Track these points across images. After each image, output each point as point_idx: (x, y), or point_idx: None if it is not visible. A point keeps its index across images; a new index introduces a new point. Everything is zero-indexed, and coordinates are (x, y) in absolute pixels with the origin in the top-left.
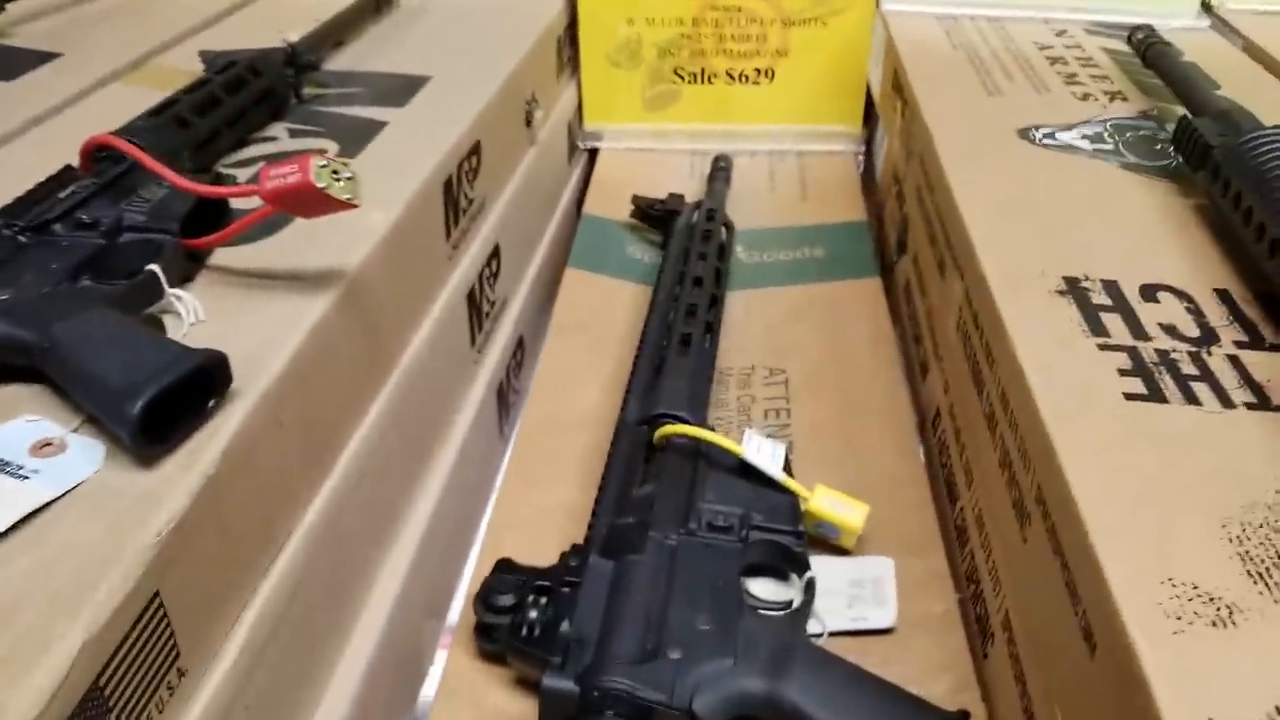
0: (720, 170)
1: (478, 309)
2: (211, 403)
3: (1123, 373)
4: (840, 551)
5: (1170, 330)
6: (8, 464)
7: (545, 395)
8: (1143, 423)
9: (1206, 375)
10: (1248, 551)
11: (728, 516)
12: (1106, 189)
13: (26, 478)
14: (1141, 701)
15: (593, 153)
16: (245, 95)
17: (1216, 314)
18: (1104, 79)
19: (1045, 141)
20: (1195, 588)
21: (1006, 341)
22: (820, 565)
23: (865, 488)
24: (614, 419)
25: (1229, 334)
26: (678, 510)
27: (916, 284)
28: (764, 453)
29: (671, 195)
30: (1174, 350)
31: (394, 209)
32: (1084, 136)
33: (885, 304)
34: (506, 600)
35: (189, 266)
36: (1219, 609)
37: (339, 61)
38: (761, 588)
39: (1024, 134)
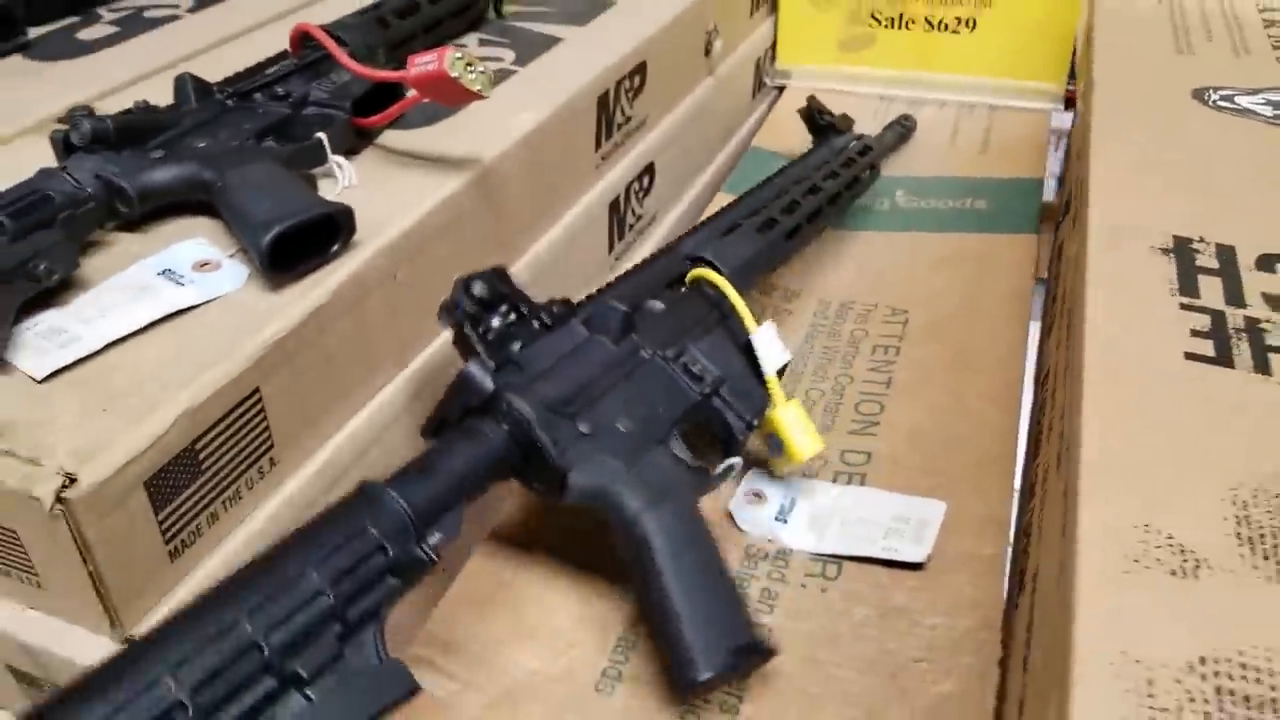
0: (899, 125)
1: (620, 219)
2: (335, 247)
3: (1196, 334)
4: (766, 470)
5: (1273, 300)
6: (173, 272)
7: None
8: (1194, 384)
9: None
10: (1248, 516)
11: (705, 370)
12: (1266, 156)
13: (183, 285)
14: (1065, 632)
15: (781, 91)
16: (445, 5)
17: None
18: None
19: (1219, 103)
20: (1170, 537)
21: (1084, 292)
22: (870, 496)
23: (953, 433)
24: None
25: None
26: (669, 336)
27: (1067, 243)
28: (769, 348)
29: (844, 115)
30: (1267, 320)
31: (541, 112)
32: (1269, 103)
33: (1033, 262)
34: (482, 293)
35: (357, 141)
36: (1185, 560)
37: None
38: (684, 446)
39: (1198, 94)
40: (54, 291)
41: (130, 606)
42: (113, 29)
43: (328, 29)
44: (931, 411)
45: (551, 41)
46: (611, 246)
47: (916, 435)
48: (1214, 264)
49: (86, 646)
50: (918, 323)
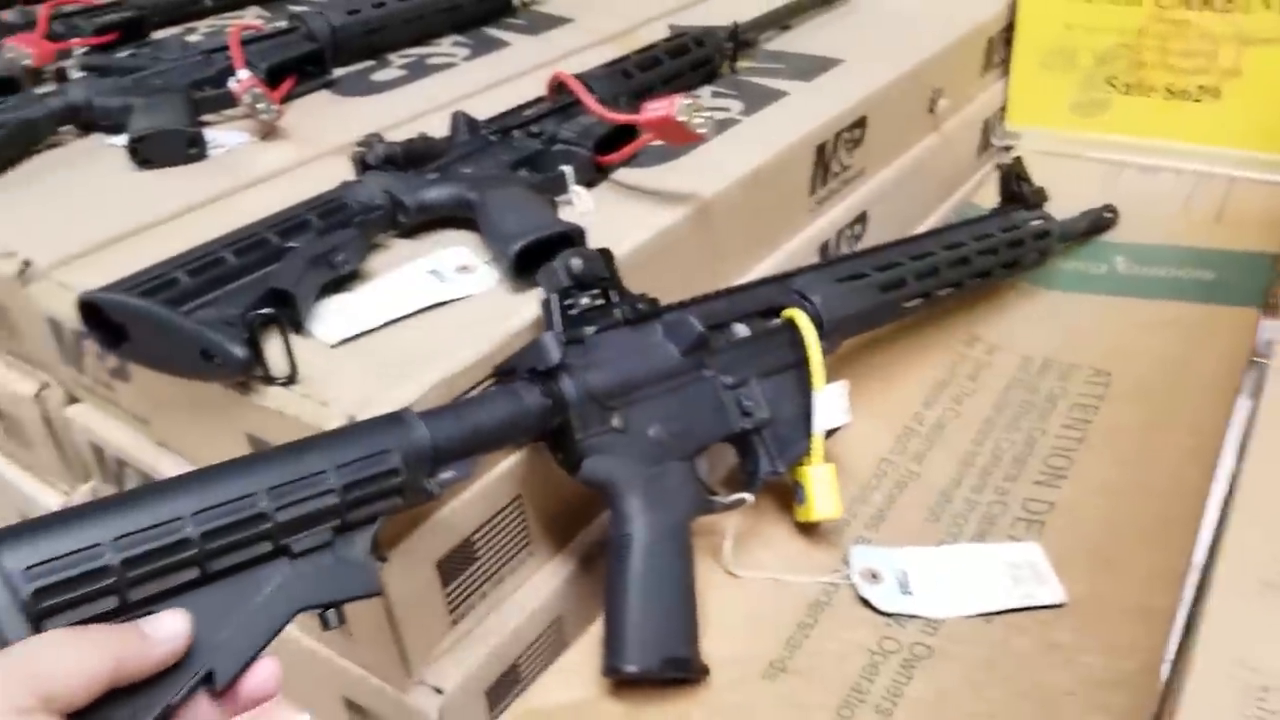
0: (1097, 215)
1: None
2: None
3: None
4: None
5: None
6: (438, 273)
7: None
8: None
9: None
10: None
11: (757, 409)
12: None
13: (445, 283)
14: (1188, 641)
15: (1008, 150)
16: (684, 60)
17: None
18: None
19: None
20: None
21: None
22: (967, 552)
23: (1142, 489)
24: None
25: None
26: (737, 364)
27: None
28: (830, 407)
29: (1040, 190)
30: None
31: (759, 157)
32: None
33: (1252, 335)
34: (580, 270)
35: (596, 175)
36: None
37: (779, 42)
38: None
39: None
40: (346, 279)
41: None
42: (401, 72)
43: (579, 78)
44: (1122, 468)
45: (778, 95)
46: None
47: (1104, 489)
48: None
49: None
50: (1121, 385)
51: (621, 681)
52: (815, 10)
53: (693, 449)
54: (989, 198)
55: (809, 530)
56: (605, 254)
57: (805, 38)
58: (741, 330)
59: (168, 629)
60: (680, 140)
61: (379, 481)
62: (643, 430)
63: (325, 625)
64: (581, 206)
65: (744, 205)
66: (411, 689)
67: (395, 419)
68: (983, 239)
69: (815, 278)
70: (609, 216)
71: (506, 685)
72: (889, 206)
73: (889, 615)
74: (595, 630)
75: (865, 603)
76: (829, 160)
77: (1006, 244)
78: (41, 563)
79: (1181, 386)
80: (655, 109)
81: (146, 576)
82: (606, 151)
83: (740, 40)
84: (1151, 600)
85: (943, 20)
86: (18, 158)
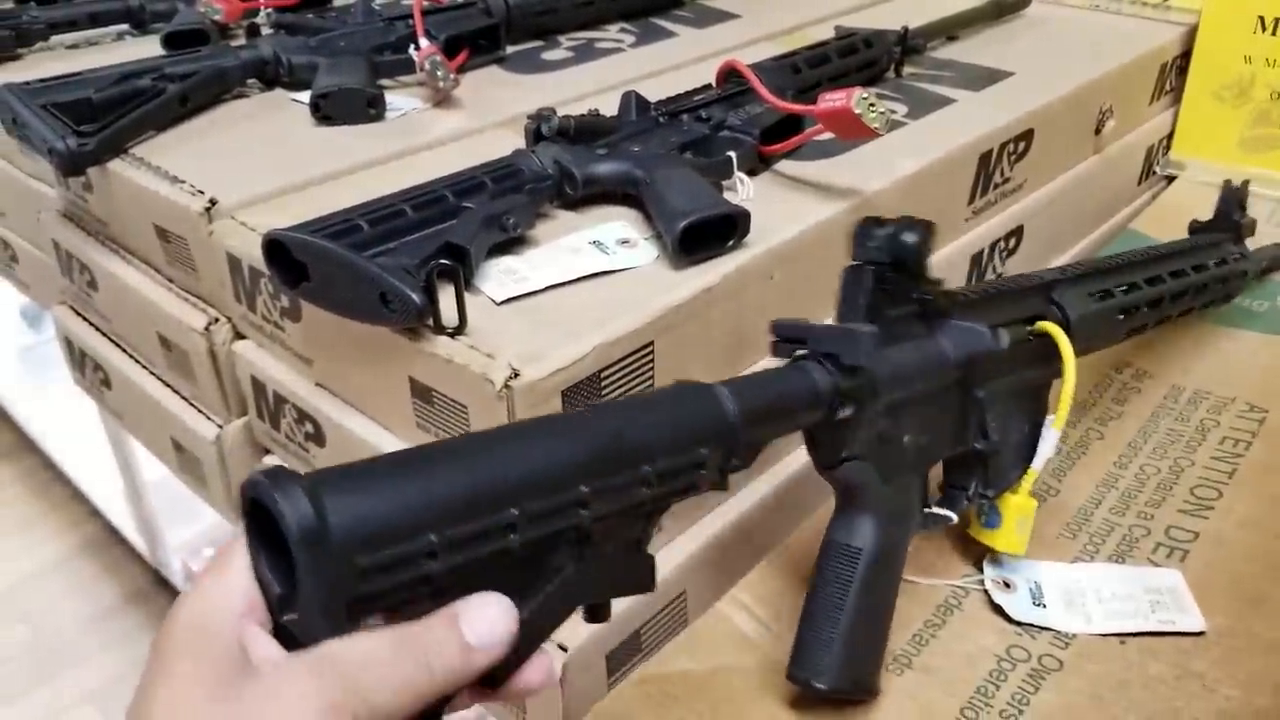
0: None
1: (980, 273)
2: (730, 243)
3: None
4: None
5: None
6: (601, 244)
7: None
8: None
9: None
10: None
11: (991, 433)
12: None
13: (607, 255)
14: None
15: (1170, 180)
16: (852, 60)
17: None
18: None
19: None
20: None
21: None
22: (1109, 571)
23: None
24: None
25: None
26: (993, 384)
27: None
28: (1049, 442)
29: (1253, 221)
30: None
31: (922, 160)
32: None
33: None
34: (911, 242)
35: (759, 164)
36: None
37: (947, 51)
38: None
39: None
40: (515, 242)
41: None
42: (569, 54)
43: (750, 66)
44: (1273, 505)
45: (945, 101)
46: None
47: (1252, 524)
48: None
49: None
50: (1276, 422)
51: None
52: (986, 23)
53: (930, 463)
54: (1152, 226)
55: (944, 533)
56: (929, 227)
57: (974, 49)
58: (1004, 340)
59: (490, 634)
60: (852, 135)
61: (687, 476)
62: (900, 437)
63: (594, 618)
64: (744, 193)
65: (903, 207)
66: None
67: (705, 393)
68: (1200, 270)
69: (1073, 289)
70: (770, 205)
71: (628, 652)
72: (1045, 224)
73: (1020, 625)
74: (721, 608)
75: (997, 610)
76: (992, 170)
77: (1215, 279)
78: (374, 535)
79: None
80: (832, 100)
81: (467, 563)
82: (770, 142)
83: (909, 45)
84: None
85: (1119, 41)
86: (207, 104)
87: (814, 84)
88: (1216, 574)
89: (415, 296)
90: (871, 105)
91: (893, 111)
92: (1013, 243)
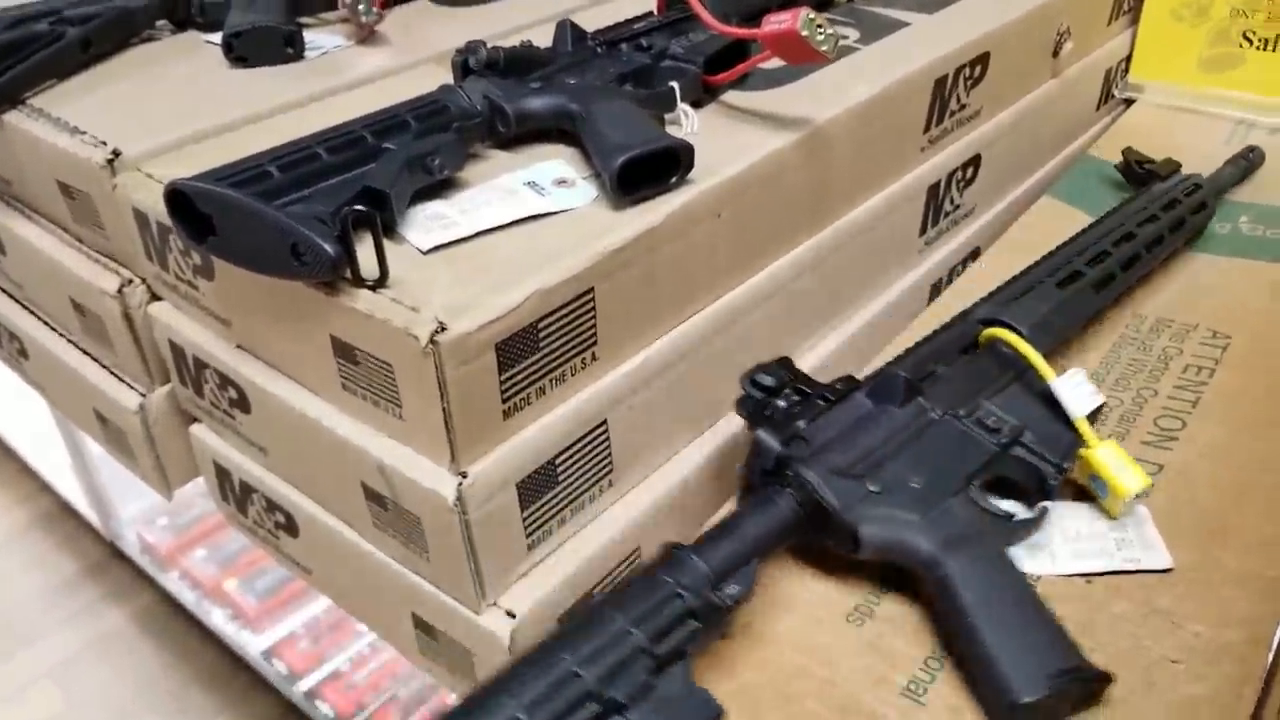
0: (1241, 160)
1: (937, 205)
2: (673, 179)
3: None
4: (1103, 512)
5: None
6: (536, 184)
7: (959, 295)
8: None
9: None
10: None
11: (1001, 422)
12: None
13: (543, 196)
14: None
15: (1129, 103)
16: None
17: None
18: None
19: None
20: None
21: None
22: (1075, 510)
23: (1257, 456)
24: None
25: None
26: (960, 395)
27: None
28: (1075, 391)
29: (1166, 160)
30: None
31: (875, 86)
32: None
33: None
34: (767, 382)
35: (704, 95)
36: None
37: None
38: (1002, 500)
39: None
40: (442, 185)
41: (468, 450)
42: None
43: None
44: (1237, 433)
45: (898, 25)
46: (924, 230)
47: (1216, 453)
48: None
49: (429, 475)
50: (1240, 348)
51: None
52: None
53: (960, 484)
54: (1111, 151)
55: None
56: (785, 361)
57: None
58: (946, 370)
59: None
60: (800, 59)
61: (669, 608)
62: (904, 484)
63: None
64: (689, 126)
65: (856, 136)
66: (485, 610)
67: (667, 556)
68: (1138, 214)
69: (994, 303)
70: (716, 138)
71: None
72: (1003, 152)
73: None
74: None
75: None
76: (948, 96)
77: (1163, 207)
78: None
79: None
80: (777, 21)
81: None
82: (716, 71)
83: None
84: (1264, 569)
85: None
86: (112, 50)
87: (762, 8)
88: (1182, 507)
89: (328, 247)
90: (819, 27)
91: (843, 36)
92: (970, 173)
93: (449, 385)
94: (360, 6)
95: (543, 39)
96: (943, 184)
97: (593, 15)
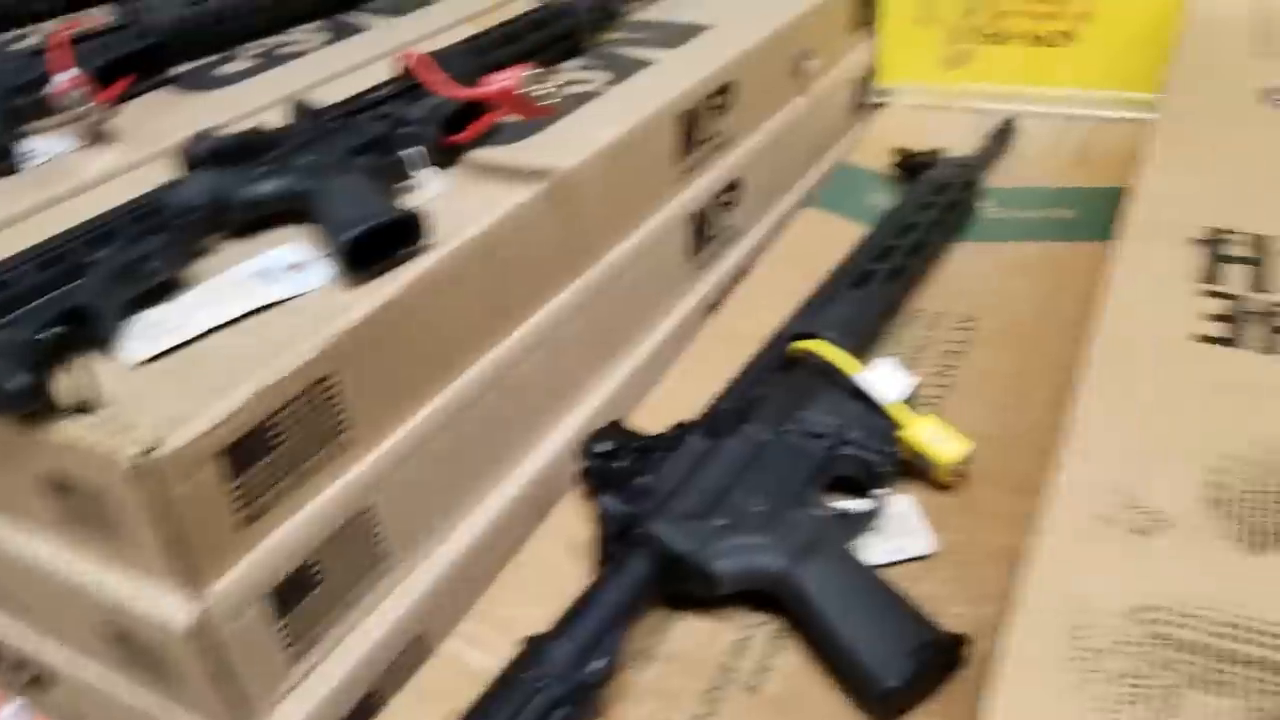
0: (999, 133)
1: (701, 230)
2: (405, 250)
3: (1211, 317)
4: (937, 485)
5: None
6: (268, 272)
7: (735, 311)
8: (1196, 363)
9: None
10: (1223, 482)
11: (826, 426)
12: None
13: (275, 283)
14: (1021, 578)
15: (878, 107)
16: (545, 34)
17: None
18: None
19: None
20: (1141, 499)
21: (1110, 279)
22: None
23: (1011, 434)
24: None
25: None
26: (781, 412)
27: None
28: (883, 381)
29: (931, 149)
30: None
31: (620, 128)
32: None
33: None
34: (603, 448)
35: (447, 156)
36: (1153, 520)
37: (651, 12)
38: (840, 498)
39: (1265, 95)
40: (164, 288)
41: (205, 569)
42: (251, 64)
43: (431, 56)
44: (990, 412)
45: (643, 64)
46: (692, 255)
47: (972, 435)
48: (1246, 253)
49: (164, 604)
50: (987, 329)
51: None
52: None
53: (799, 495)
54: (867, 157)
55: None
56: (615, 424)
57: (675, 6)
58: (765, 391)
59: None
60: (530, 114)
61: (532, 704)
62: (748, 511)
63: None
64: (430, 190)
65: (606, 178)
66: None
67: (526, 648)
68: (915, 204)
69: (795, 319)
70: (460, 199)
71: (365, 713)
72: (762, 172)
73: None
74: (450, 647)
75: None
76: (694, 128)
77: (934, 191)
78: None
79: (1045, 326)
80: (497, 81)
81: None
82: (459, 131)
83: (606, 11)
84: (1015, 542)
85: None
86: None
87: (507, 63)
88: (944, 489)
89: (15, 379)
90: (539, 81)
91: (589, 83)
92: (731, 196)
93: (172, 504)
94: (82, 107)
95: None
96: (704, 210)
97: (341, 89)
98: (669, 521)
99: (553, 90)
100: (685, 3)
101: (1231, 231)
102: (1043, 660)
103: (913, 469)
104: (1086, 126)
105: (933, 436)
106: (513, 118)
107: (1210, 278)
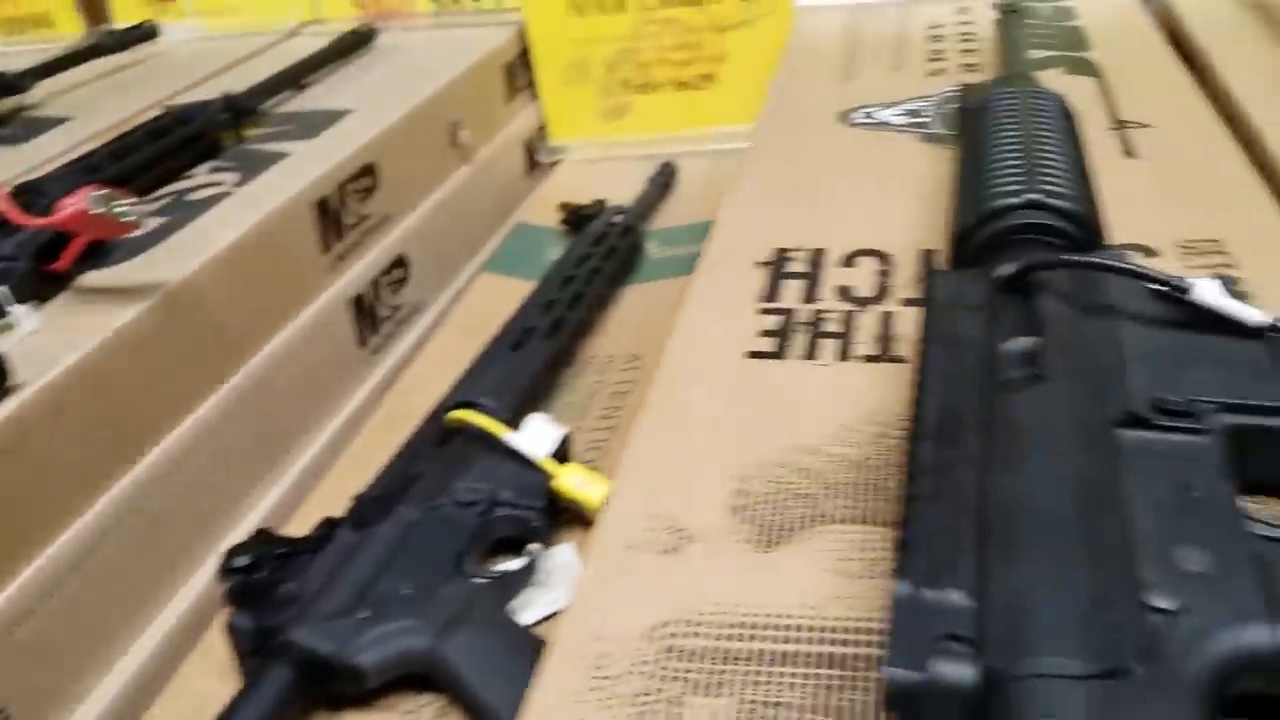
0: (657, 176)
1: (369, 314)
2: None
3: (764, 334)
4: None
5: (844, 292)
6: None
7: (408, 388)
8: (745, 379)
9: (848, 332)
10: (748, 489)
11: (478, 493)
12: (891, 162)
13: None
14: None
15: (554, 166)
16: (169, 141)
17: (905, 274)
18: (972, 53)
19: (860, 121)
20: (670, 519)
21: (680, 310)
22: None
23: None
24: None
25: (904, 292)
26: (434, 487)
27: None
28: (533, 436)
29: (594, 201)
30: (831, 311)
31: (239, 229)
32: (905, 113)
33: None
34: (242, 561)
35: (47, 287)
36: (679, 538)
37: (297, 102)
38: (503, 561)
39: (843, 116)
40: None
41: None
42: None
43: (38, 180)
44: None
45: (276, 158)
46: (364, 341)
47: None
48: (805, 269)
49: None
50: (651, 365)
51: None
52: (329, 66)
53: (452, 568)
54: (541, 214)
55: None
56: (261, 532)
57: (319, 95)
58: (422, 469)
59: None
60: (114, 234)
61: None
62: (396, 596)
63: None
64: (25, 326)
65: (233, 280)
66: None
67: None
68: (577, 256)
69: (452, 391)
70: (59, 331)
71: None
72: (431, 245)
73: None
74: None
75: None
76: (338, 214)
77: (592, 243)
78: None
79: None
80: (66, 206)
81: None
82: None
83: (239, 109)
84: None
85: (459, 53)
86: None
87: (125, 177)
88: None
89: None
90: (113, 200)
91: (218, 185)
92: (399, 274)
93: None
94: None
95: None
96: (368, 294)
97: None
98: (310, 625)
99: (129, 207)
100: (334, 91)
101: (797, 249)
102: (563, 697)
103: (576, 517)
104: (736, 160)
105: (578, 482)
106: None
107: (770, 296)
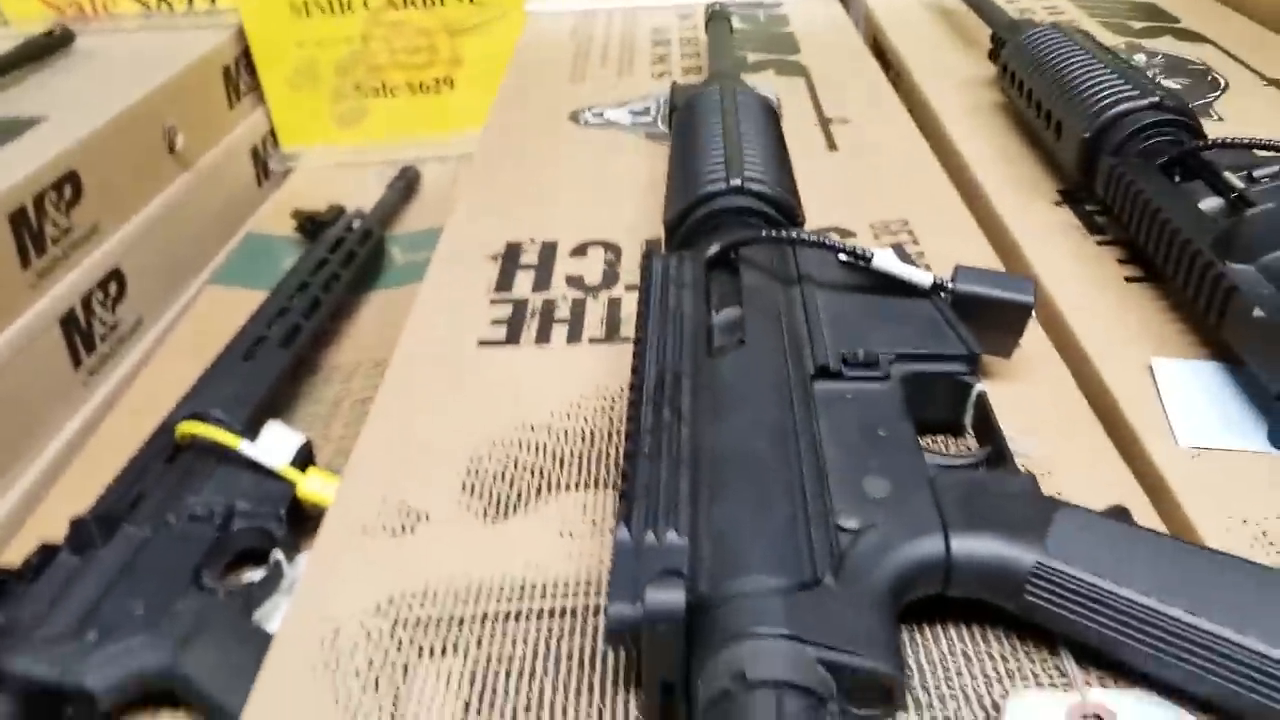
0: (397, 181)
1: (82, 332)
2: None
3: (495, 323)
4: None
5: (575, 281)
6: None
7: (131, 407)
8: (477, 366)
9: (578, 318)
10: (480, 468)
11: (210, 506)
12: (619, 158)
13: None
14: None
15: (286, 174)
16: None
17: (631, 262)
18: (695, 56)
19: (591, 120)
20: (402, 502)
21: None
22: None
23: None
24: None
25: (630, 278)
26: (166, 504)
27: None
28: (271, 445)
29: (331, 207)
30: (562, 298)
31: None
32: (632, 112)
33: None
34: None
35: None
36: (410, 519)
37: None
38: (249, 572)
39: (574, 116)
40: None
41: None
42: None
43: None
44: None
45: None
46: (79, 362)
47: None
48: (535, 260)
49: None
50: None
51: None
52: (20, 69)
53: (187, 582)
54: (273, 223)
55: None
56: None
57: (9, 101)
58: (149, 487)
59: None
60: None
61: None
62: (128, 615)
63: None
64: None
65: None
66: None
67: None
68: (313, 263)
69: (181, 403)
70: None
71: None
72: (151, 257)
73: None
74: None
75: None
76: (38, 225)
77: (329, 249)
78: None
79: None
80: None
81: None
82: None
83: None
84: None
85: (171, 56)
86: None
87: None
88: None
89: None
90: None
91: None
92: (114, 289)
93: None
94: None
95: None
96: (78, 311)
97: None
98: (30, 653)
99: None
100: (25, 97)
101: (529, 242)
102: (289, 675)
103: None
104: None
105: (319, 487)
106: None
107: (502, 287)
